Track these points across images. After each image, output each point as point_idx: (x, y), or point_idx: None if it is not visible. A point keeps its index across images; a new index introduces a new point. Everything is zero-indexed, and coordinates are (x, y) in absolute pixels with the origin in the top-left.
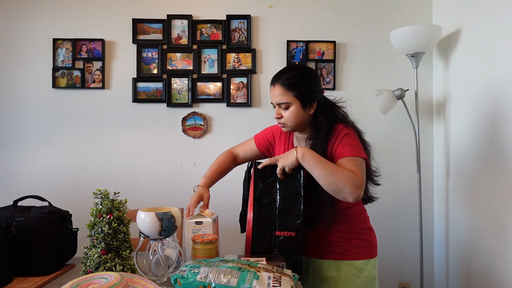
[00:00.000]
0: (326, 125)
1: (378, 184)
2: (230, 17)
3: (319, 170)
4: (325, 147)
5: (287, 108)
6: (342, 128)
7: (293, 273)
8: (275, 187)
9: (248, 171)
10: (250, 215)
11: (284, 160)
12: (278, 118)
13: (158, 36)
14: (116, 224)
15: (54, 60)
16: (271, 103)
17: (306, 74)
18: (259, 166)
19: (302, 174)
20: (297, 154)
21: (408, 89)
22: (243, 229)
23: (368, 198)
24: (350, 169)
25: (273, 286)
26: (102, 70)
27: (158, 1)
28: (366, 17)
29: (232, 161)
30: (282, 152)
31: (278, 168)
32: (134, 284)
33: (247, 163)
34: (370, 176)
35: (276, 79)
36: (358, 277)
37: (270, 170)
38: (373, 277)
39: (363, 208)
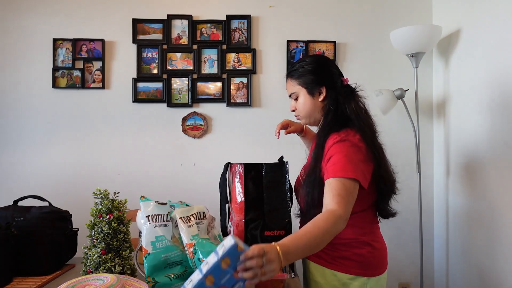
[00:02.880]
0: (333, 112)
1: (395, 193)
2: (230, 17)
3: (309, 249)
4: (326, 139)
5: (297, 98)
6: (335, 137)
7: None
8: (262, 188)
9: (224, 175)
10: (239, 217)
11: (269, 268)
12: (293, 110)
13: (158, 36)
14: (116, 224)
15: (54, 60)
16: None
17: (312, 61)
18: None
19: (288, 179)
20: (282, 261)
21: (408, 89)
22: (225, 235)
23: (387, 214)
24: (328, 201)
25: None
26: (102, 70)
27: (158, 1)
28: (366, 17)
29: None
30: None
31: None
32: (130, 287)
33: (225, 164)
34: (382, 184)
35: (287, 73)
36: None
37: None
38: None
39: (366, 220)
